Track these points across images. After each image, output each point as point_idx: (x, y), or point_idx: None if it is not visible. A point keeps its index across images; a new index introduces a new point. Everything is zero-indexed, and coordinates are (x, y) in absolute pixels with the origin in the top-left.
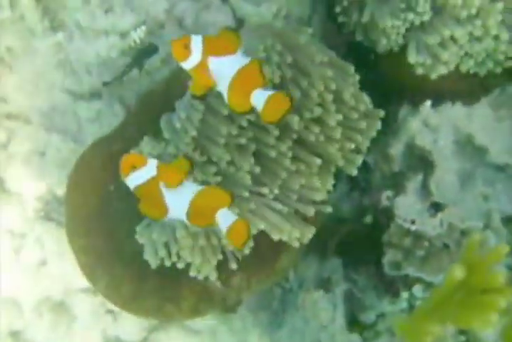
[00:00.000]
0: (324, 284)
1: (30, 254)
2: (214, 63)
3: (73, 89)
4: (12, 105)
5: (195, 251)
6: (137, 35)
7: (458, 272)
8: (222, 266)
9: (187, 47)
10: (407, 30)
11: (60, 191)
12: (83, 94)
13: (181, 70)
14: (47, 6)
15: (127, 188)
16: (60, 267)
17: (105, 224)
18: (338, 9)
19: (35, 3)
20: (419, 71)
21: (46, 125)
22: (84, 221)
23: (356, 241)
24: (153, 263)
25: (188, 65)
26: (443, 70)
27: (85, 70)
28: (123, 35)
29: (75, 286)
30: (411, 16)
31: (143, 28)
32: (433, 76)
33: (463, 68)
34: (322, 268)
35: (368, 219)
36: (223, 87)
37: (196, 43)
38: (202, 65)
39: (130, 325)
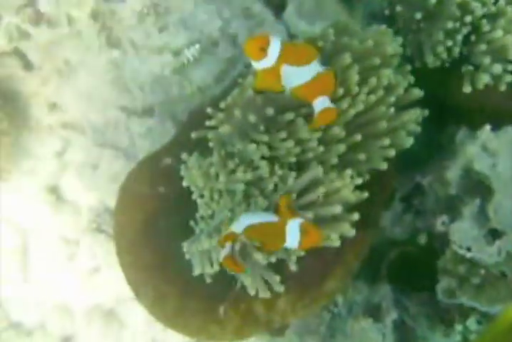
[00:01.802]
0: (374, 311)
1: (83, 262)
2: (286, 71)
3: (126, 105)
4: (68, 115)
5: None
6: (191, 53)
7: None
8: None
9: (263, 49)
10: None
11: (111, 203)
12: (136, 110)
13: (231, 89)
14: (104, 23)
15: (173, 205)
16: (111, 275)
17: (152, 242)
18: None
19: (92, 21)
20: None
21: (99, 140)
22: (131, 238)
23: (409, 265)
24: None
25: (260, 65)
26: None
27: (139, 88)
28: (177, 53)
29: (126, 295)
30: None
31: (197, 46)
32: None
33: None
34: (372, 294)
35: (421, 239)
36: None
37: (274, 46)
38: (274, 70)
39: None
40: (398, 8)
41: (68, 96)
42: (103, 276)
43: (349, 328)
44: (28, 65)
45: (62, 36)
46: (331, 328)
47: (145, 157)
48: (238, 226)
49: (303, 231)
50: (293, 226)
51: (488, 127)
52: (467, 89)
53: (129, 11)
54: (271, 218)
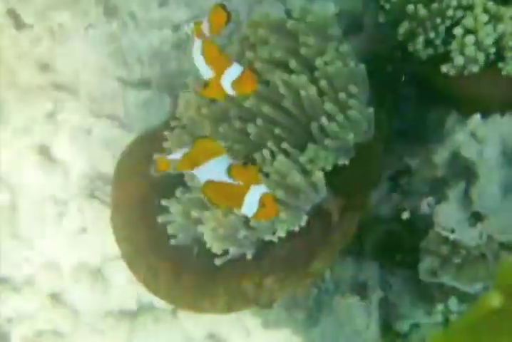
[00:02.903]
0: (360, 289)
1: (71, 221)
2: None
3: (122, 77)
4: (60, 77)
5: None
6: (190, 28)
7: (495, 301)
8: (256, 267)
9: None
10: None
11: (105, 169)
12: (133, 82)
13: None
14: None
15: (168, 182)
16: (99, 236)
17: (147, 218)
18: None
19: None
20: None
21: (94, 108)
22: (126, 213)
23: (393, 243)
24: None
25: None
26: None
27: (137, 61)
28: (176, 28)
29: (112, 254)
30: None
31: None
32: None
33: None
34: (359, 271)
35: (404, 215)
36: None
37: None
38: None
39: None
40: None
41: (61, 59)
42: (90, 237)
43: (335, 303)
44: (20, 25)
45: (59, 1)
46: (318, 302)
47: (142, 133)
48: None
49: (262, 202)
50: (254, 194)
51: (477, 116)
52: (444, 69)
53: None
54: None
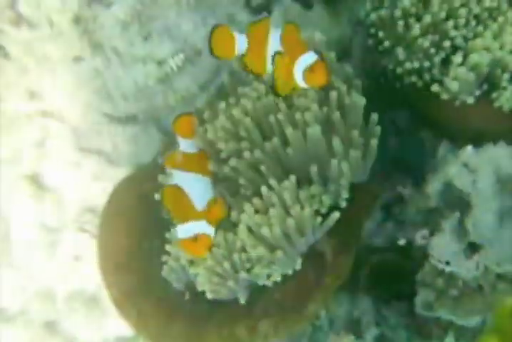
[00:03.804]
0: (355, 326)
1: (64, 250)
2: None
3: (109, 112)
4: (47, 105)
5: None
6: (175, 62)
7: None
8: (249, 312)
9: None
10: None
11: (94, 202)
12: (119, 118)
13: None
14: (86, 28)
15: (155, 227)
16: (93, 263)
17: (136, 264)
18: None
19: (74, 26)
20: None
21: (82, 143)
22: (115, 260)
23: (389, 273)
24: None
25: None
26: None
27: (122, 96)
28: (161, 62)
29: None
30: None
31: (181, 55)
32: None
33: (506, 107)
34: (353, 306)
35: (401, 242)
36: None
37: None
38: None
39: None
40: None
41: (48, 89)
42: (83, 264)
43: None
44: (6, 56)
45: (43, 37)
46: (313, 340)
47: (128, 176)
48: None
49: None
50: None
51: (469, 147)
52: (434, 88)
53: (113, 19)
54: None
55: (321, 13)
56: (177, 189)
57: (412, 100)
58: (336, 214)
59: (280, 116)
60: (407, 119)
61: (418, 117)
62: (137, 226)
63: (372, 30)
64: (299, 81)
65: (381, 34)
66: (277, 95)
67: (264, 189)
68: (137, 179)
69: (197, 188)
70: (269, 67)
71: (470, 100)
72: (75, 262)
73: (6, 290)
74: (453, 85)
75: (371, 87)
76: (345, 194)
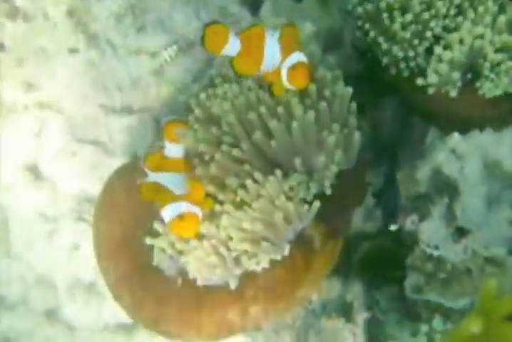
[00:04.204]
0: (346, 309)
1: (63, 238)
2: None
3: (104, 103)
4: (44, 96)
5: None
6: (168, 54)
7: (475, 327)
8: (239, 296)
9: None
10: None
11: (92, 191)
12: (114, 108)
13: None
14: (80, 19)
15: (150, 214)
16: (91, 251)
17: (129, 249)
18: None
19: (69, 17)
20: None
21: (78, 134)
22: (109, 245)
23: (380, 258)
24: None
25: None
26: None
27: (117, 87)
28: (154, 53)
29: None
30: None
31: (174, 47)
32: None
33: (489, 95)
34: (345, 291)
35: (393, 227)
36: None
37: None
38: None
39: None
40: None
41: (44, 80)
42: (82, 252)
43: (322, 325)
44: (1, 47)
45: (38, 29)
46: (306, 324)
47: (122, 166)
48: None
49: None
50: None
51: (456, 134)
52: (419, 82)
53: (107, 12)
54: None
55: (311, 4)
56: (155, 184)
57: (400, 89)
58: (317, 203)
59: (263, 110)
60: (397, 106)
61: (406, 104)
62: (131, 215)
63: (359, 23)
64: (284, 81)
65: (367, 26)
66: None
67: (249, 182)
68: (129, 168)
69: (174, 182)
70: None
71: (453, 93)
72: (74, 250)
73: (6, 279)
74: (433, 79)
75: (361, 74)
76: (329, 182)
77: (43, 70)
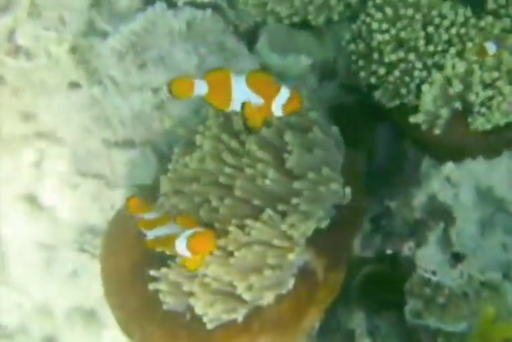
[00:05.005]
0: (349, 337)
1: (62, 266)
2: None
3: (107, 138)
4: (43, 126)
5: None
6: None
7: None
8: (247, 329)
9: None
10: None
11: (92, 221)
12: (117, 142)
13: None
14: (83, 57)
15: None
16: (90, 279)
17: (139, 286)
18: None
19: (71, 55)
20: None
21: (80, 166)
22: (118, 282)
23: (378, 284)
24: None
25: None
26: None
27: (120, 122)
28: (156, 89)
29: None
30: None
31: None
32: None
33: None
34: (346, 318)
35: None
36: None
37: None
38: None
39: None
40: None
41: (43, 111)
42: (81, 280)
43: None
44: (1, 81)
45: (40, 66)
46: None
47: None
48: None
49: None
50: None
51: (450, 163)
52: (412, 120)
53: (109, 50)
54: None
55: (306, 37)
56: (156, 239)
57: (392, 120)
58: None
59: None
60: (390, 133)
61: (400, 132)
62: (139, 250)
63: (353, 57)
64: (277, 113)
65: (360, 63)
66: (248, 129)
67: (249, 222)
68: None
69: (171, 230)
70: (235, 106)
71: (437, 131)
72: (73, 279)
73: (4, 307)
74: (420, 117)
75: (355, 104)
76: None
77: (43, 102)
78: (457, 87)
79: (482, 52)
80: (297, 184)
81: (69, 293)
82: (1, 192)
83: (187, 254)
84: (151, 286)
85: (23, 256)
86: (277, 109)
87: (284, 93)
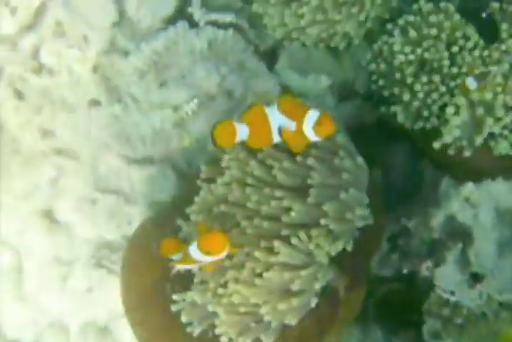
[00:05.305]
0: None
1: (77, 281)
2: None
3: (127, 155)
4: (62, 143)
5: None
6: (190, 107)
7: None
8: None
9: None
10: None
11: (110, 237)
12: (137, 159)
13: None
14: (104, 75)
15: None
16: (105, 295)
17: (160, 301)
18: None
19: (93, 74)
20: (451, 152)
21: (99, 183)
22: (139, 298)
23: (397, 302)
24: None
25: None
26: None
27: (140, 140)
28: (176, 108)
29: (119, 312)
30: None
31: (195, 101)
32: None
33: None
34: (364, 336)
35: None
36: None
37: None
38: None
39: None
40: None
41: (63, 128)
42: (96, 296)
43: None
44: (21, 97)
45: (61, 83)
46: None
47: (148, 219)
48: None
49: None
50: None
51: (470, 183)
52: (436, 145)
53: (130, 68)
54: None
55: (324, 57)
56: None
57: (413, 139)
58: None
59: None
60: (408, 152)
61: (418, 152)
62: (161, 266)
63: (374, 77)
64: (311, 137)
65: (381, 82)
66: (294, 154)
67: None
68: (158, 219)
69: None
70: (276, 138)
71: (468, 153)
72: (88, 294)
73: (19, 323)
74: (448, 139)
75: (374, 124)
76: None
77: (63, 119)
78: (480, 111)
79: (464, 87)
80: (326, 206)
81: (84, 309)
82: (19, 208)
83: (202, 257)
84: (173, 308)
85: (39, 271)
86: (308, 131)
87: (313, 114)
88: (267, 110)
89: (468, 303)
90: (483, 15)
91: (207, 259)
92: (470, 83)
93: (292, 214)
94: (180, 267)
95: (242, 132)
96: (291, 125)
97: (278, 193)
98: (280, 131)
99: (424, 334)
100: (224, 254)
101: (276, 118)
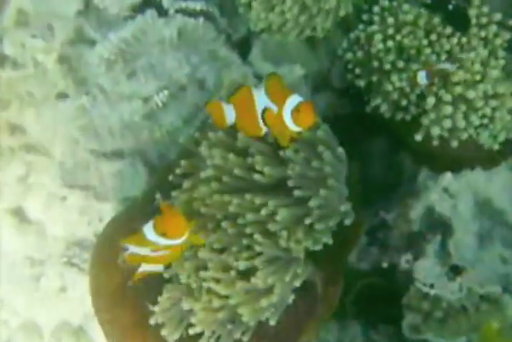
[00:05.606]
0: None
1: (49, 281)
2: None
3: (95, 149)
4: (31, 139)
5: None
6: (160, 99)
7: None
8: None
9: None
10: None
11: (80, 235)
12: (106, 153)
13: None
14: (71, 66)
15: None
16: (79, 294)
17: (129, 301)
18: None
19: (59, 65)
20: (435, 143)
21: (67, 179)
22: (108, 297)
23: (375, 297)
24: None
25: None
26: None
27: (109, 133)
28: (146, 99)
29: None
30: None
31: (165, 92)
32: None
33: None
34: (343, 332)
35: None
36: None
37: None
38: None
39: None
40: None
41: (31, 123)
42: (69, 295)
43: None
44: None
45: (27, 76)
46: None
47: (118, 214)
48: None
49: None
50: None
51: (448, 174)
52: (418, 138)
53: (97, 58)
54: None
55: (299, 47)
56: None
57: (391, 130)
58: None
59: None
60: (385, 144)
61: (397, 143)
62: (130, 265)
63: (350, 66)
64: (290, 125)
65: (357, 71)
66: (281, 146)
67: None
68: (128, 216)
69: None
70: (261, 125)
71: (455, 144)
72: (61, 294)
73: None
74: (436, 131)
75: (349, 115)
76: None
77: (29, 114)
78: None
79: (414, 78)
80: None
81: (57, 309)
82: None
83: (156, 238)
84: (152, 321)
85: (10, 271)
86: (287, 116)
87: (294, 99)
88: (254, 92)
89: (448, 296)
90: (450, 7)
91: (161, 242)
92: (421, 78)
93: (277, 218)
94: (143, 269)
95: (229, 113)
96: (273, 108)
97: (258, 200)
98: (263, 113)
99: (404, 328)
100: (181, 239)
101: (261, 100)
